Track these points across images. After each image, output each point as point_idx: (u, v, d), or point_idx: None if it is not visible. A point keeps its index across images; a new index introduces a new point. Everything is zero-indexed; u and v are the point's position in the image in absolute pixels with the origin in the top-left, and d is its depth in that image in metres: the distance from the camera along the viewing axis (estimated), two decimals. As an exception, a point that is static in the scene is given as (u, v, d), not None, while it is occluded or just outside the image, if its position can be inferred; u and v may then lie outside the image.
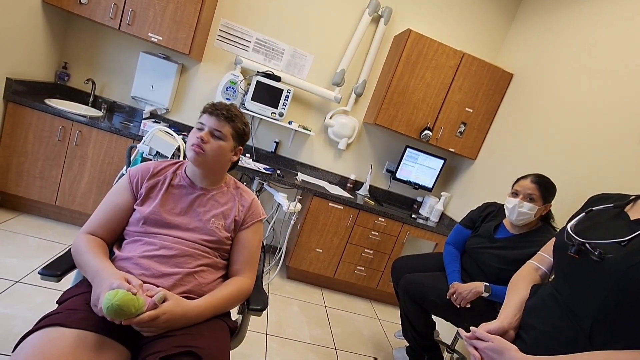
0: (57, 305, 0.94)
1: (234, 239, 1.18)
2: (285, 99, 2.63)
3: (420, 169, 3.01)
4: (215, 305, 1.02)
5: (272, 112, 2.64)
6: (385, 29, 2.79)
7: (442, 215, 2.98)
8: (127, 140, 2.31)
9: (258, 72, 2.64)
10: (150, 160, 2.19)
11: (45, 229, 2.32)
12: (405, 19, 2.86)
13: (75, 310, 0.87)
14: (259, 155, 2.95)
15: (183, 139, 2.30)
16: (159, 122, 2.64)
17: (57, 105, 2.24)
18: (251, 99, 2.59)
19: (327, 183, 2.96)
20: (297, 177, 2.71)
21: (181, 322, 0.92)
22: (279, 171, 2.65)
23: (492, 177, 2.63)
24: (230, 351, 1.06)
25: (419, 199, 3.20)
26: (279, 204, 2.53)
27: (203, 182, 1.17)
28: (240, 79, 2.62)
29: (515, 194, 1.65)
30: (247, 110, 2.62)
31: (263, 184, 2.77)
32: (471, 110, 2.78)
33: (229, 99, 2.64)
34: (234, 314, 1.23)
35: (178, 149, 2.22)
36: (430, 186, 3.06)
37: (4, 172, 2.24)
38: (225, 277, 1.17)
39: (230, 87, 2.61)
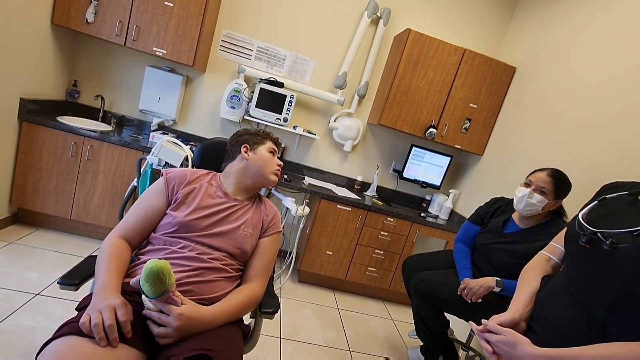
0: (77, 312, 0.97)
1: (255, 246, 1.23)
2: (289, 105, 2.67)
3: (427, 167, 3.01)
4: (228, 313, 1.05)
5: (277, 118, 2.68)
6: (385, 29, 2.81)
7: (452, 213, 2.97)
8: (137, 153, 2.36)
9: (261, 79, 2.68)
10: (159, 170, 2.24)
11: (62, 243, 2.38)
12: (404, 19, 2.88)
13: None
14: (265, 161, 2.98)
15: (191, 149, 2.35)
16: (167, 134, 2.69)
17: (69, 122, 2.32)
18: (255, 106, 2.63)
19: (335, 185, 2.97)
20: (304, 181, 2.74)
21: (197, 329, 0.94)
22: (286, 176, 2.68)
23: (500, 172, 2.61)
24: (245, 355, 1.08)
25: (428, 197, 3.19)
26: (288, 208, 2.55)
27: (239, 195, 1.26)
28: (244, 87, 2.67)
29: (527, 184, 1.64)
30: (252, 117, 2.66)
31: (271, 189, 2.80)
32: (475, 106, 2.77)
33: (234, 107, 2.68)
34: (247, 318, 1.25)
35: (186, 159, 2.27)
36: (438, 184, 3.05)
37: (21, 189, 2.32)
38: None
39: (234, 96, 2.66)
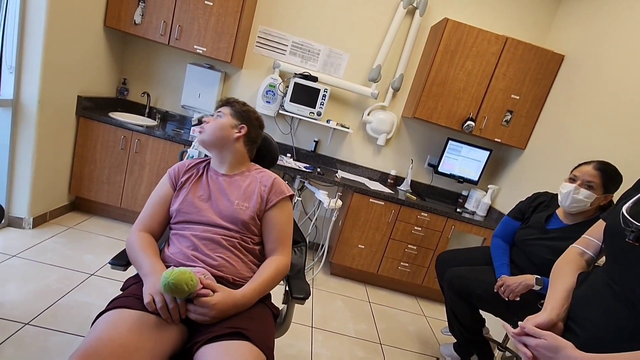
0: (121, 291, 1.07)
1: (262, 220, 1.22)
2: (322, 99, 2.69)
3: (464, 161, 2.91)
4: (258, 290, 1.08)
5: (310, 112, 2.71)
6: (421, 20, 2.74)
7: (490, 209, 2.85)
8: (179, 146, 2.50)
9: (295, 74, 2.72)
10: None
11: (112, 229, 2.59)
12: (441, 8, 2.79)
13: (137, 295, 0.98)
14: (299, 154, 3.04)
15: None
16: (206, 128, 2.82)
17: (119, 118, 2.50)
18: (290, 101, 2.68)
19: (367, 179, 2.96)
20: (337, 175, 2.76)
21: (232, 312, 0.99)
22: (319, 169, 2.71)
23: (544, 167, 2.47)
24: (277, 339, 1.13)
25: (464, 192, 3.09)
26: (320, 201, 2.59)
27: (222, 167, 1.25)
28: (279, 81, 2.72)
29: (572, 179, 1.55)
30: (287, 111, 2.71)
31: (304, 182, 2.84)
32: (518, 97, 2.63)
33: (269, 102, 2.75)
34: (280, 304, 1.29)
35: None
36: (476, 179, 2.94)
37: (79, 180, 2.54)
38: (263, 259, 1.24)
39: (269, 91, 2.72)
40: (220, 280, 1.08)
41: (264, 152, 1.45)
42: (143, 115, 2.85)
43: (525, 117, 2.67)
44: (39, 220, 2.35)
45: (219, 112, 1.27)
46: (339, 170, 2.97)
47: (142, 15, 2.45)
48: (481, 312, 1.80)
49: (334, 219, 2.61)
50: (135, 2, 2.42)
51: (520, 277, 1.54)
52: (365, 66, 2.89)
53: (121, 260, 1.15)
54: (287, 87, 2.71)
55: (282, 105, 2.76)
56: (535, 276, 1.51)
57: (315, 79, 2.71)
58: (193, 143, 2.33)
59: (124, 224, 2.70)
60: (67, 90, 2.30)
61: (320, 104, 2.70)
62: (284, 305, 1.34)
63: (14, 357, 1.40)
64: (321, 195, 2.45)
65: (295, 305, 1.29)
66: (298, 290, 1.25)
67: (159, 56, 2.86)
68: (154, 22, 2.46)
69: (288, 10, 2.78)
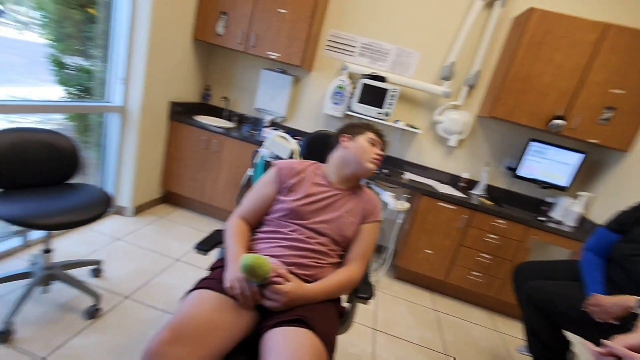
0: (210, 271, 1.19)
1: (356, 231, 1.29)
2: (390, 99, 2.65)
3: (549, 164, 2.62)
4: (328, 292, 1.14)
5: (378, 112, 2.69)
6: (502, 12, 2.54)
7: (582, 219, 2.52)
8: (252, 146, 2.68)
9: (363, 75, 2.73)
10: (270, 161, 2.50)
11: (195, 220, 2.88)
12: (526, -4, 2.55)
13: (219, 279, 1.08)
14: (365, 155, 3.03)
15: (298, 143, 2.55)
16: (277, 129, 2.98)
17: (203, 120, 2.77)
18: (358, 101, 2.70)
19: (437, 182, 2.84)
20: (404, 176, 2.69)
21: (300, 302, 1.05)
22: (385, 170, 2.68)
23: (655, 172, 2.11)
24: (339, 336, 1.16)
25: (549, 199, 2.77)
26: (386, 203, 2.55)
27: (342, 184, 1.32)
28: (347, 83, 2.76)
29: None
30: (354, 112, 2.73)
31: (370, 183, 2.83)
32: (621, 92, 2.28)
33: (337, 103, 2.80)
34: (343, 302, 1.32)
35: (293, 151, 2.48)
36: (565, 185, 2.62)
37: (169, 176, 2.88)
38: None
39: (338, 92, 2.77)
40: (304, 278, 1.14)
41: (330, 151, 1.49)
42: (222, 117, 3.12)
43: (630, 114, 2.30)
44: (138, 210, 2.72)
45: (382, 149, 1.36)
46: (406, 172, 2.90)
47: (224, 27, 2.68)
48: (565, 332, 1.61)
49: (400, 221, 2.55)
50: (218, 15, 2.67)
51: (618, 297, 1.34)
52: (436, 64, 2.77)
53: (204, 246, 1.28)
54: (355, 88, 2.73)
55: (349, 107, 2.79)
56: (637, 297, 1.30)
57: (383, 79, 2.69)
58: (264, 143, 2.49)
59: (205, 216, 2.99)
60: (162, 97, 2.63)
61: (389, 104, 2.67)
62: (348, 304, 1.36)
63: (116, 325, 1.65)
64: (387, 197, 2.41)
65: (359, 305, 1.30)
66: (362, 290, 1.27)
67: (237, 63, 3.10)
68: (234, 32, 2.68)
69: (358, 13, 2.80)
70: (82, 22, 2.72)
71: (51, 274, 1.62)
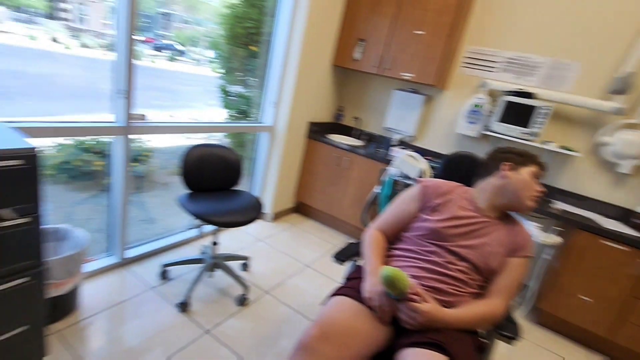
0: (346, 280, 1.28)
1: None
2: (540, 117, 2.35)
3: None
4: (467, 321, 1.07)
5: (523, 132, 2.42)
6: None
7: None
8: (380, 164, 2.74)
9: (506, 91, 2.50)
10: (398, 181, 2.52)
11: (322, 231, 3.09)
12: None
13: (358, 289, 1.15)
14: (503, 179, 2.74)
15: (429, 163, 2.50)
16: (406, 148, 2.98)
17: (335, 139, 2.99)
18: (498, 120, 2.49)
19: (600, 216, 2.35)
20: (554, 205, 2.33)
21: (436, 325, 1.03)
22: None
23: None
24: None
25: None
26: (530, 234, 2.25)
27: (491, 212, 1.23)
28: (486, 101, 2.58)
29: None
30: (493, 132, 2.53)
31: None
32: None
33: (473, 122, 2.64)
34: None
35: (422, 171, 2.44)
36: None
37: (303, 188, 3.18)
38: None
39: (474, 111, 2.61)
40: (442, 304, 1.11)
41: (472, 173, 1.42)
42: (352, 136, 3.30)
43: None
44: (276, 217, 3.09)
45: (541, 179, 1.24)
46: (556, 201, 2.50)
47: (362, 52, 2.87)
48: None
49: (547, 257, 2.20)
50: (357, 42, 2.87)
51: None
52: (603, 76, 2.34)
53: (342, 256, 1.38)
54: (496, 106, 2.52)
55: (487, 126, 2.59)
56: None
57: (530, 96, 2.41)
58: (393, 162, 2.52)
59: (331, 229, 3.18)
60: (303, 118, 2.95)
61: (537, 123, 2.37)
62: (485, 340, 1.25)
63: (258, 315, 1.89)
64: (532, 227, 2.12)
65: (499, 344, 1.18)
66: (506, 327, 1.15)
67: (369, 85, 3.25)
68: (370, 56, 2.84)
69: (502, 26, 2.60)
70: (245, 57, 3.32)
71: (216, 262, 1.99)
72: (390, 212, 1.34)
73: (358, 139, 3.27)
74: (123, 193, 1.90)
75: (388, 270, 1.00)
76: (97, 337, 1.55)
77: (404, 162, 2.44)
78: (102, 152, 3.07)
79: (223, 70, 3.54)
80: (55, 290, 1.43)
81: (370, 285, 1.09)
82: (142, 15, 1.65)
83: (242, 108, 3.55)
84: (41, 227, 1.11)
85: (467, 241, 1.18)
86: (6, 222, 1.02)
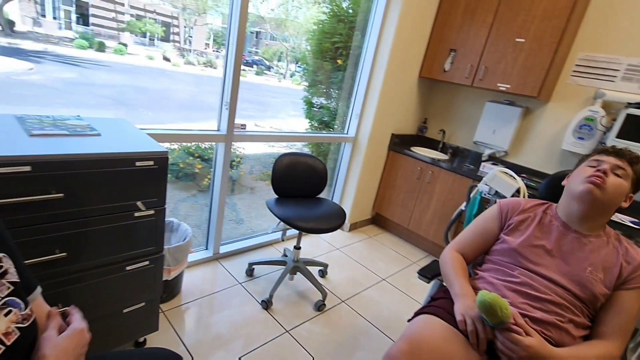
0: (431, 299, 1.23)
1: (609, 297, 1.03)
2: (675, 134, 1.98)
3: None
4: None
5: (650, 152, 2.05)
6: None
7: None
8: (467, 180, 2.58)
9: (629, 103, 2.16)
10: (488, 199, 2.34)
11: (399, 245, 3.01)
12: None
13: (447, 310, 1.09)
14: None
15: (524, 182, 2.28)
16: (497, 164, 2.75)
17: (417, 152, 2.91)
18: (616, 136, 2.16)
19: None
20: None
21: None
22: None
23: None
24: None
25: None
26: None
27: (579, 225, 1.10)
28: (601, 114, 2.26)
29: None
30: (609, 150, 2.19)
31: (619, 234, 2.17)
32: None
33: (583, 139, 2.33)
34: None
35: (518, 191, 2.23)
36: None
37: (381, 199, 3.15)
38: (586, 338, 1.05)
39: (585, 125, 2.31)
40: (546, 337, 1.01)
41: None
42: (437, 150, 3.17)
43: None
44: (352, 227, 3.11)
45: (622, 170, 1.03)
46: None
47: (452, 63, 2.76)
48: None
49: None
50: (447, 52, 2.77)
51: None
52: None
53: (427, 273, 1.33)
54: (614, 120, 2.19)
55: (601, 142, 2.26)
56: None
57: (663, 109, 2.04)
58: (484, 179, 2.35)
59: (408, 243, 3.08)
60: (386, 130, 2.94)
61: (671, 141, 1.99)
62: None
63: (334, 322, 1.91)
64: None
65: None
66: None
67: (458, 96, 3.10)
68: (461, 67, 2.71)
69: (624, 29, 2.27)
70: (330, 70, 3.44)
71: (297, 266, 2.08)
72: (470, 232, 1.27)
73: (442, 152, 3.13)
74: (221, 194, 2.11)
75: (486, 295, 0.93)
76: (193, 321, 1.73)
77: (496, 179, 2.26)
78: (201, 157, 3.47)
79: (307, 83, 3.73)
80: (166, 275, 1.64)
81: (464, 308, 1.03)
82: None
83: (324, 119, 3.68)
84: (163, 219, 1.30)
85: (558, 261, 1.06)
86: (140, 213, 1.21)
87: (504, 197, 2.24)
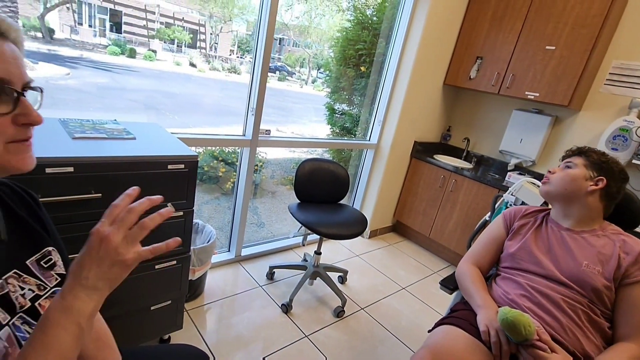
0: (451, 310, 1.21)
1: (618, 295, 1.01)
2: None
3: None
4: None
5: (692, 165, 1.95)
6: None
7: None
8: (492, 190, 2.52)
9: (668, 114, 2.06)
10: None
11: (420, 254, 2.97)
12: None
13: (468, 321, 1.07)
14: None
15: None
16: (524, 174, 2.68)
17: (441, 160, 2.87)
18: (653, 148, 2.06)
19: None
20: None
21: None
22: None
23: None
24: None
25: None
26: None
27: (566, 221, 1.16)
28: (637, 124, 2.16)
29: None
30: (645, 162, 2.10)
31: None
32: None
33: (616, 149, 2.24)
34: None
35: (545, 202, 2.16)
36: None
37: (402, 207, 3.12)
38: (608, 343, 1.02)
39: (619, 136, 2.22)
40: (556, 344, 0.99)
41: (621, 210, 1.21)
42: (460, 158, 3.12)
43: None
44: (372, 234, 3.09)
45: (569, 162, 1.19)
46: None
47: (478, 70, 2.72)
48: None
49: None
50: (473, 60, 2.73)
51: None
52: None
53: (449, 285, 1.31)
54: (651, 131, 2.10)
55: (637, 154, 2.17)
56: None
57: None
58: (510, 188, 2.29)
59: (429, 252, 3.03)
60: (409, 137, 2.92)
61: None
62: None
63: (353, 329, 1.91)
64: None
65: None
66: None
67: (484, 104, 3.04)
68: (487, 74, 2.67)
69: (665, 36, 2.17)
70: (353, 77, 3.46)
71: (317, 271, 2.09)
72: (482, 243, 1.28)
73: (466, 160, 3.08)
74: (245, 197, 2.16)
75: (509, 313, 0.91)
76: (215, 321, 1.77)
77: (523, 190, 2.20)
78: (224, 160, 3.55)
79: (330, 90, 3.76)
80: (191, 275, 1.69)
81: (487, 319, 1.01)
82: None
83: (345, 125, 3.69)
84: (191, 221, 1.35)
85: (560, 262, 1.08)
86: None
87: (531, 208, 2.18)
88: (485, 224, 2.49)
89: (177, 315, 1.49)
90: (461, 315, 1.13)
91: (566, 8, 2.27)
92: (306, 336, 1.79)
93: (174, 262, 1.37)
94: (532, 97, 2.45)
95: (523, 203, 2.24)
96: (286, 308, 1.91)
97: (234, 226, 2.26)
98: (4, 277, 0.53)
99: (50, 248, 0.62)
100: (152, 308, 1.38)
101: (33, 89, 0.51)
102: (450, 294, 1.33)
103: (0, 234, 0.54)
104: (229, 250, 2.33)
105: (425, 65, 2.69)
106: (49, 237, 0.63)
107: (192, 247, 1.57)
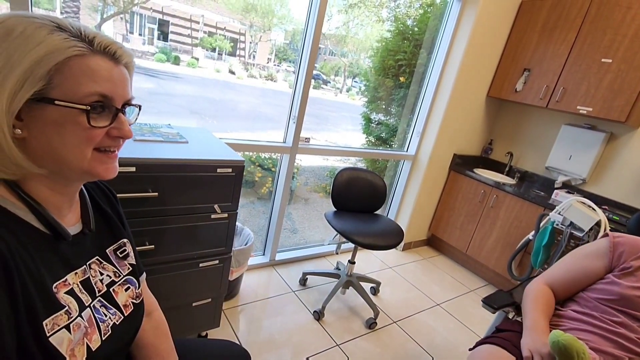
0: (496, 329, 1.16)
1: None
2: None
3: None
4: None
5: None
6: None
7: None
8: (537, 208, 2.40)
9: None
10: (561, 230, 2.16)
11: (455, 271, 2.87)
12: None
13: (513, 342, 1.03)
14: None
15: (605, 214, 2.08)
16: (573, 193, 2.53)
17: (481, 174, 2.78)
18: None
19: None
20: None
21: None
22: None
23: None
24: None
25: None
26: None
27: None
28: None
29: None
30: None
31: None
32: None
33: (681, 171, 2.06)
34: None
35: (597, 224, 2.03)
36: None
37: (438, 220, 3.05)
38: None
39: (685, 156, 2.04)
40: None
41: None
42: (502, 173, 3.00)
43: None
44: (406, 246, 3.03)
45: None
46: None
47: (524, 83, 2.62)
48: None
49: None
50: (520, 72, 2.64)
51: None
52: None
53: (492, 304, 1.26)
54: None
55: None
56: None
57: None
58: (557, 207, 2.18)
59: (465, 269, 2.92)
60: (448, 149, 2.86)
61: None
62: None
63: (385, 342, 1.87)
64: None
65: None
66: None
67: (530, 118, 2.92)
68: (535, 87, 2.56)
69: None
70: (392, 87, 3.45)
71: (350, 280, 2.08)
72: (566, 267, 1.16)
73: (509, 176, 2.95)
74: (282, 203, 2.21)
75: (561, 336, 0.86)
76: (248, 322, 1.81)
77: (573, 209, 2.08)
78: (261, 165, 3.64)
79: (367, 99, 3.77)
80: (230, 275, 1.74)
81: (532, 343, 0.96)
82: (298, 50, 1.98)
83: (381, 135, 3.68)
84: (234, 223, 1.40)
85: None
86: (216, 215, 1.32)
87: (581, 229, 2.05)
88: (528, 243, 2.38)
89: (215, 313, 1.54)
90: (507, 336, 1.08)
91: (625, 19, 2.14)
92: (337, 345, 1.78)
93: (217, 261, 1.43)
94: (585, 112, 2.32)
95: (572, 224, 2.13)
96: (318, 315, 1.92)
97: (270, 230, 2.31)
98: (88, 263, 0.58)
99: (125, 240, 0.68)
100: (193, 304, 1.44)
101: (133, 105, 0.56)
102: (494, 312, 1.28)
103: (91, 225, 0.60)
104: (264, 254, 2.38)
105: (468, 77, 2.63)
106: (125, 230, 0.69)
107: (232, 249, 1.63)
